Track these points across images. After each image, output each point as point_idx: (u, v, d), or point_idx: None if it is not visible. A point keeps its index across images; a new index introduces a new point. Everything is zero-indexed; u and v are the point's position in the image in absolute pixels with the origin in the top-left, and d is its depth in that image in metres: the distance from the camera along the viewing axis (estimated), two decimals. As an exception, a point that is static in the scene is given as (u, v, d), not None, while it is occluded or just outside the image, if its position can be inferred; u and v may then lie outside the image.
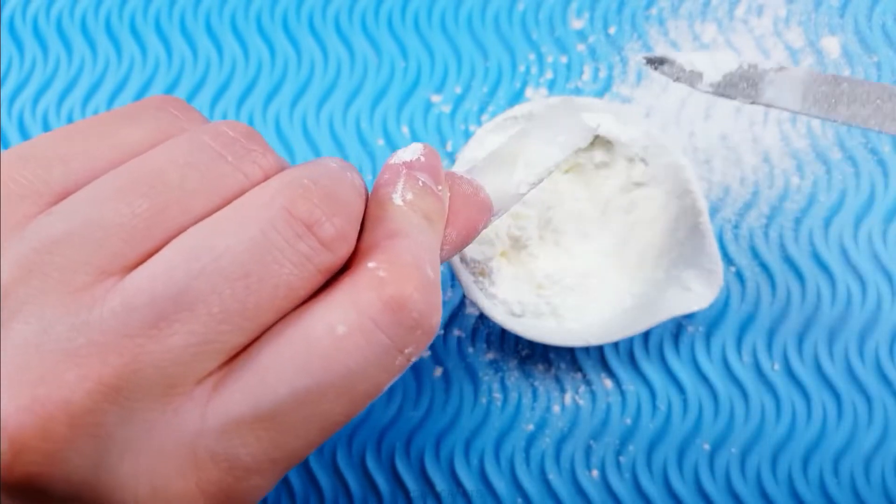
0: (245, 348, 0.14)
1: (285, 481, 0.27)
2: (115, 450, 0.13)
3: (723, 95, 0.20)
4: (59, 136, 0.15)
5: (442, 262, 0.18)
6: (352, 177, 0.16)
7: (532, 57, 0.31)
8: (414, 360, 0.15)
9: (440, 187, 0.17)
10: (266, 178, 0.15)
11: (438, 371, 0.28)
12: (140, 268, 0.13)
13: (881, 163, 0.28)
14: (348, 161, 0.23)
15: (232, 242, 0.13)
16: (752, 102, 0.19)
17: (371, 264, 0.15)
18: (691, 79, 0.20)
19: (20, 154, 0.14)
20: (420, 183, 0.17)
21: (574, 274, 0.27)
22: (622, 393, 0.27)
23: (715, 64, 0.20)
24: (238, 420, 0.14)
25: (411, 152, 0.18)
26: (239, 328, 0.14)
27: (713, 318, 0.28)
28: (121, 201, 0.14)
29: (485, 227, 0.19)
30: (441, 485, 0.27)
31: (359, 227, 0.16)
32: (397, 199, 0.16)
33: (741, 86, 0.20)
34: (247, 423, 0.14)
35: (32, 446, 0.12)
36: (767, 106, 0.19)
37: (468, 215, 0.18)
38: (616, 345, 0.28)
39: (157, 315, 0.13)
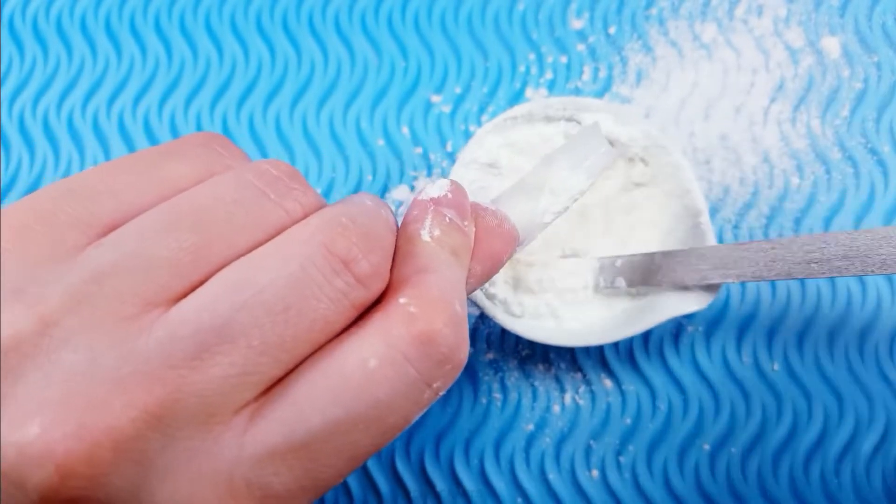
0: (281, 379, 0.15)
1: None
2: (157, 475, 0.14)
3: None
4: (107, 171, 0.16)
5: (468, 295, 0.18)
6: (385, 214, 0.17)
7: (532, 57, 0.31)
8: (442, 393, 0.16)
9: (466, 223, 0.18)
10: (306, 216, 0.16)
11: (438, 371, 0.28)
12: (186, 299, 0.14)
13: (881, 163, 0.28)
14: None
15: (273, 277, 0.14)
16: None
17: (402, 300, 0.15)
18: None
19: (69, 187, 0.15)
20: (447, 219, 0.18)
21: (574, 274, 0.27)
22: (622, 393, 0.27)
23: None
24: (272, 450, 0.14)
25: (438, 188, 0.18)
26: (277, 360, 0.14)
27: (713, 318, 0.28)
28: (168, 235, 0.14)
29: (510, 257, 0.20)
30: (441, 485, 0.27)
31: (391, 263, 0.17)
32: (425, 236, 0.17)
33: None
34: (280, 452, 0.14)
35: (78, 471, 0.13)
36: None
37: (493, 248, 0.19)
38: (616, 345, 0.28)
39: (199, 346, 0.13)
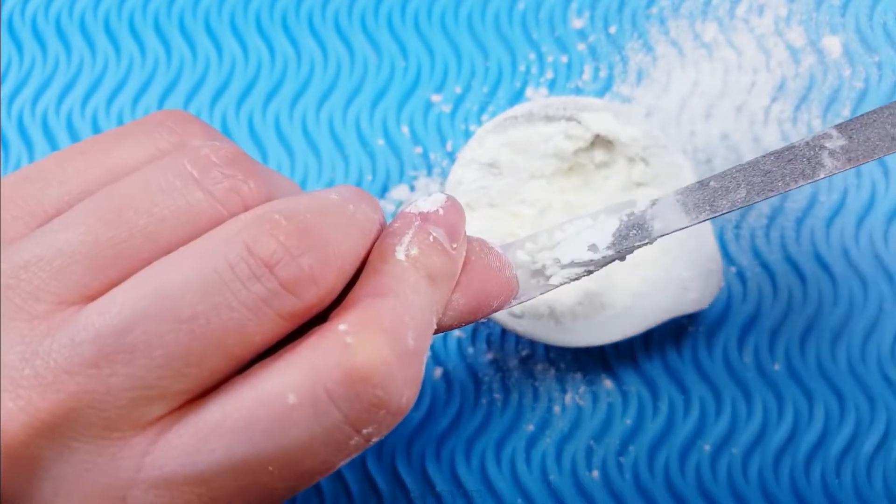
0: (197, 398, 0.13)
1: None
2: (50, 486, 0.13)
3: (623, 252, 0.20)
4: (62, 157, 0.15)
5: (441, 331, 0.16)
6: (353, 211, 0.15)
7: (532, 56, 0.31)
8: (375, 440, 0.14)
9: (455, 245, 0.16)
10: (246, 209, 0.14)
11: (438, 372, 0.28)
12: (96, 301, 0.13)
13: (881, 163, 0.28)
14: (360, 185, 0.20)
15: (184, 280, 0.13)
16: (650, 242, 0.20)
17: (342, 326, 0.13)
18: (593, 257, 0.20)
19: (24, 175, 0.15)
20: (430, 238, 0.16)
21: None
22: (623, 393, 0.27)
23: (601, 228, 0.20)
24: (170, 478, 0.13)
25: (431, 202, 0.16)
26: (182, 374, 0.13)
27: (714, 318, 0.28)
28: (87, 229, 0.13)
29: (499, 308, 0.18)
30: (441, 485, 0.27)
31: (348, 272, 0.15)
32: (400, 253, 0.15)
33: (632, 234, 0.20)
34: (178, 482, 0.13)
35: None
36: (663, 236, 0.20)
37: (483, 288, 0.17)
38: (616, 345, 0.28)
39: (98, 353, 0.12)
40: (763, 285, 0.28)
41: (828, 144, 0.19)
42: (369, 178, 0.30)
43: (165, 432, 0.13)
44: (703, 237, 0.25)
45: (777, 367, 0.27)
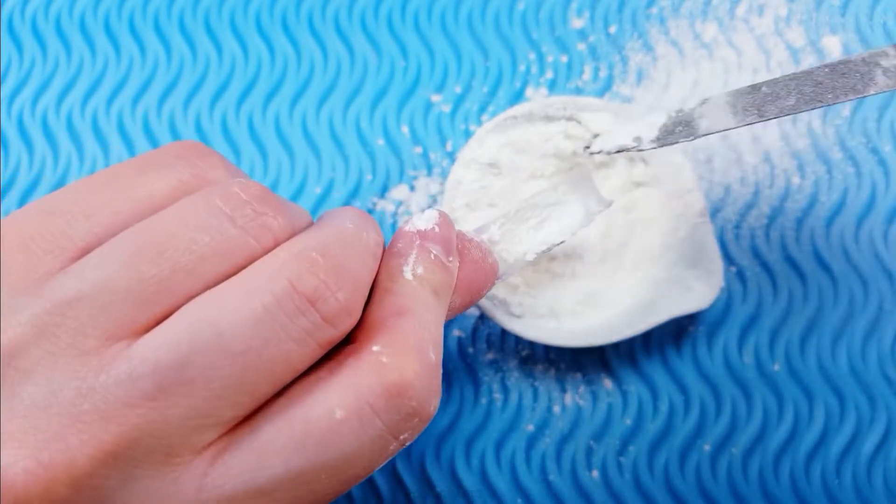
0: (246, 419, 0.15)
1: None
2: None
3: (666, 145, 0.21)
4: (84, 189, 0.15)
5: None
6: (367, 238, 0.16)
7: (532, 56, 0.31)
8: (409, 443, 0.16)
9: (451, 258, 0.18)
10: (276, 243, 0.15)
11: (438, 371, 0.28)
12: (148, 336, 0.14)
13: (882, 163, 0.28)
14: (363, 209, 0.22)
15: (235, 317, 0.14)
16: (694, 138, 0.21)
17: (375, 347, 0.15)
18: (636, 144, 0.21)
19: (48, 208, 0.15)
20: (432, 256, 0.17)
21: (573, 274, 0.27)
22: (623, 393, 0.27)
23: (649, 123, 0.21)
24: (232, 495, 0.14)
25: (426, 220, 0.18)
26: (237, 403, 0.14)
27: (714, 318, 0.28)
28: (129, 266, 0.14)
29: (488, 290, 0.20)
30: (441, 485, 0.27)
31: (366, 295, 0.16)
32: (408, 273, 0.17)
33: (678, 130, 0.21)
34: (240, 498, 0.14)
35: None
36: (707, 135, 0.21)
37: (474, 282, 0.19)
38: (616, 345, 0.28)
39: (157, 386, 0.13)
40: (763, 285, 0.28)
41: (883, 62, 0.19)
42: (369, 177, 0.30)
43: (222, 454, 0.14)
44: (703, 237, 0.25)
45: (777, 366, 0.27)
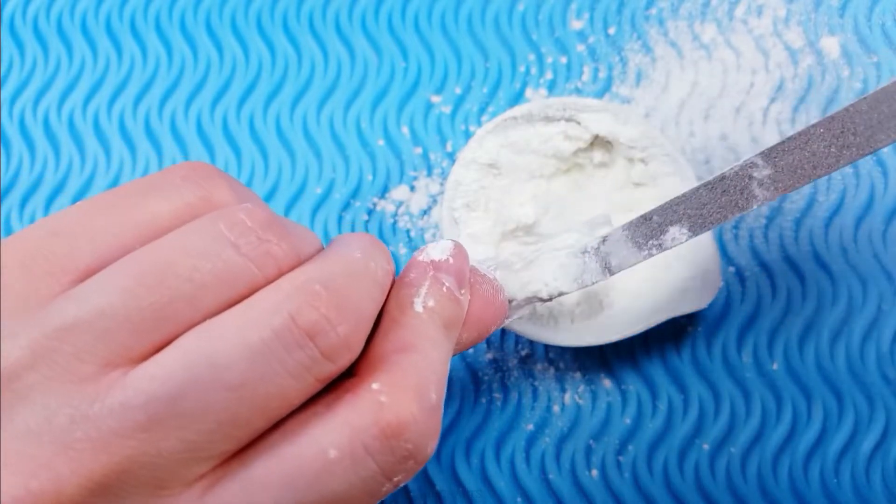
0: (238, 452, 0.14)
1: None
2: None
3: (585, 286, 0.22)
4: (87, 211, 0.15)
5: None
6: (374, 269, 0.16)
7: (532, 57, 0.31)
8: (402, 485, 0.15)
9: (463, 291, 0.17)
10: (280, 272, 0.15)
11: (438, 371, 0.28)
12: (144, 365, 0.13)
13: (881, 163, 0.28)
14: (373, 235, 0.21)
15: (232, 350, 0.13)
16: (611, 274, 0.21)
17: (375, 385, 0.15)
18: (548, 298, 0.22)
19: (52, 229, 0.15)
20: (444, 289, 0.17)
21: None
22: (622, 392, 0.27)
23: (562, 266, 0.22)
24: None
25: (440, 251, 0.18)
26: (230, 437, 0.14)
27: (713, 318, 0.28)
28: (129, 293, 0.14)
29: (497, 328, 0.19)
30: (441, 485, 0.27)
31: (369, 329, 0.16)
32: (418, 305, 0.16)
33: (593, 268, 0.21)
34: None
35: None
36: (620, 270, 0.21)
37: (483, 319, 0.18)
38: (616, 344, 0.28)
39: (150, 418, 0.13)
40: (762, 285, 0.28)
41: (755, 174, 0.19)
42: (369, 178, 0.30)
43: (213, 487, 0.14)
44: (702, 237, 0.25)
45: (776, 366, 0.27)
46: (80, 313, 0.13)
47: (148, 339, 0.14)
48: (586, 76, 0.30)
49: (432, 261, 0.17)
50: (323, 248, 0.17)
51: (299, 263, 0.15)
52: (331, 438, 0.14)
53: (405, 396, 0.14)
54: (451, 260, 0.17)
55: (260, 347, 0.14)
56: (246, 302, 0.14)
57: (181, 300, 0.14)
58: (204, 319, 0.14)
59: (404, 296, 0.17)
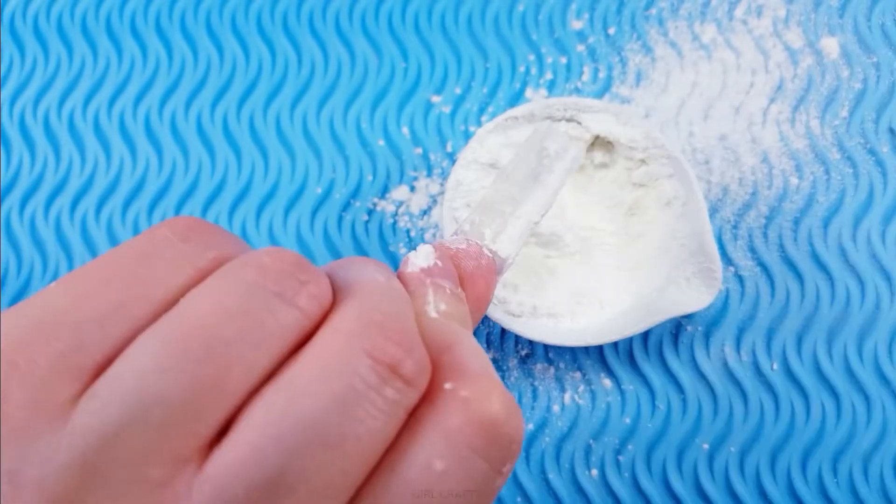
0: None
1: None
2: None
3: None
4: (83, 289, 0.13)
5: None
6: (400, 288, 0.15)
7: (532, 58, 0.31)
8: (509, 474, 0.14)
9: (459, 290, 0.17)
10: (323, 312, 0.14)
11: (439, 371, 0.28)
12: (222, 450, 0.12)
13: (880, 163, 0.29)
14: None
15: (319, 405, 0.12)
16: None
17: (447, 385, 0.14)
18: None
19: (44, 319, 0.12)
20: (448, 291, 0.16)
21: (573, 273, 0.27)
22: (622, 392, 0.27)
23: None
24: None
25: (424, 258, 0.17)
26: (340, 497, 0.12)
27: (712, 318, 0.28)
28: (177, 371, 0.12)
29: (496, 285, 0.19)
30: (441, 484, 0.27)
31: None
32: (432, 312, 0.16)
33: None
34: None
35: None
36: None
37: (477, 291, 0.18)
38: (615, 344, 0.28)
39: None
40: (761, 285, 0.28)
41: None
42: (370, 178, 0.30)
43: None
44: (701, 237, 0.25)
45: (774, 366, 0.27)
46: (124, 410, 0.11)
47: (214, 419, 0.12)
48: (586, 76, 0.30)
49: (422, 269, 0.17)
50: (337, 280, 0.16)
51: (332, 298, 0.14)
52: (430, 450, 0.13)
53: (482, 385, 0.14)
54: (438, 263, 0.17)
55: (347, 393, 0.12)
56: (310, 352, 0.13)
57: (238, 366, 0.12)
58: (263, 382, 0.13)
59: (417, 307, 0.16)
